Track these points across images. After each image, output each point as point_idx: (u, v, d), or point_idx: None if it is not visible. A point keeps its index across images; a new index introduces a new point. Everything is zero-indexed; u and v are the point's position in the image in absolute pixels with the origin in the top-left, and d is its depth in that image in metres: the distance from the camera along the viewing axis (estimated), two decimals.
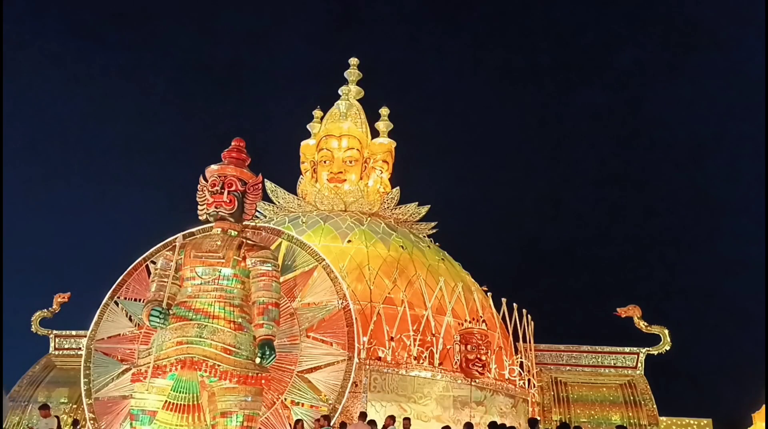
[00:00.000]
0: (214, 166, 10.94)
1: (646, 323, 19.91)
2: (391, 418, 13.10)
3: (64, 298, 21.06)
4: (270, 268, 10.28)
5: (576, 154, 43.73)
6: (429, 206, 21.95)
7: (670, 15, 44.14)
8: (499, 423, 13.73)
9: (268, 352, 9.61)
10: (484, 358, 16.42)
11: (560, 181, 43.88)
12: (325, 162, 21.92)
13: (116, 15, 45.48)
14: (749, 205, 39.44)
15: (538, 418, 13.89)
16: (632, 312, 19.95)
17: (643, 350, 20.04)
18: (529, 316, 18.93)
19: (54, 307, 20.98)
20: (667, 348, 19.80)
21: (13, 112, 36.87)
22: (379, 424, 13.22)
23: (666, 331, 19.85)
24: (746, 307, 35.65)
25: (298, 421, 12.61)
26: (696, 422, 20.52)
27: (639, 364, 19.95)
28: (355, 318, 14.36)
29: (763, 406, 18.67)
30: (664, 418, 19.53)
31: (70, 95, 43.36)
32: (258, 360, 9.61)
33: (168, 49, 46.33)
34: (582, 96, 45.40)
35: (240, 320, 9.99)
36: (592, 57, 46.00)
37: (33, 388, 19.75)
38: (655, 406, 18.98)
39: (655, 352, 19.91)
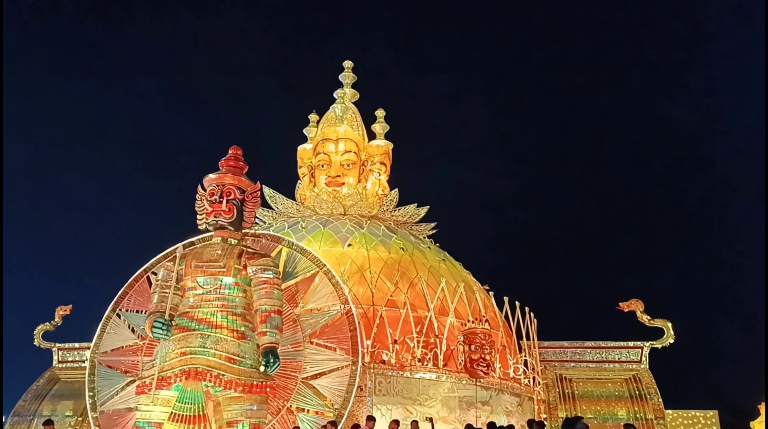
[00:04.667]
0: (212, 175, 10.94)
1: (648, 317, 19.88)
2: (396, 423, 13.07)
3: (65, 310, 21.01)
4: (271, 276, 10.30)
5: (574, 150, 43.73)
6: (428, 207, 21.95)
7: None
8: (501, 423, 13.77)
9: (272, 360, 9.61)
10: (488, 357, 16.37)
11: (560, 177, 43.91)
12: (322, 166, 21.89)
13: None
14: (751, 196, 39.52)
15: (534, 419, 13.74)
16: (635, 306, 19.92)
17: (647, 344, 20.00)
18: (531, 313, 18.90)
19: (56, 320, 20.93)
20: (671, 341, 19.76)
21: (11, 124, 36.88)
22: None
23: (669, 325, 19.81)
24: (749, 299, 35.69)
25: (295, 428, 12.59)
26: (702, 414, 20.54)
27: (643, 358, 19.92)
28: (358, 322, 14.31)
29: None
30: (670, 412, 19.52)
31: (71, 103, 43.37)
32: (262, 368, 9.61)
33: (162, 55, 46.32)
34: (574, 89, 45.47)
35: (243, 329, 9.99)
36: (584, 55, 46.11)
37: (38, 401, 19.70)
38: (660, 399, 18.95)
39: (659, 346, 19.86)
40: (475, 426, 13.90)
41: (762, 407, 18.89)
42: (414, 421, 13.51)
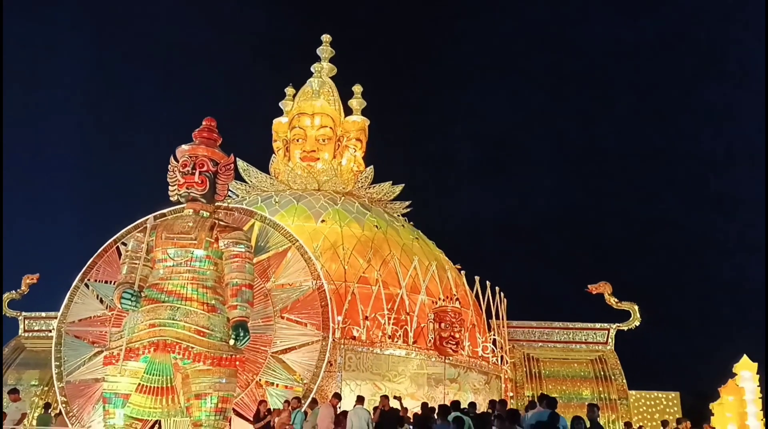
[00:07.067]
0: (185, 146, 10.72)
1: (616, 299, 20.20)
2: (360, 400, 13.10)
3: (32, 279, 20.72)
4: (243, 250, 10.15)
5: (553, 134, 43.94)
6: (403, 185, 21.95)
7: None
8: (469, 400, 13.89)
9: (242, 334, 9.52)
10: (457, 335, 16.53)
11: (533, 160, 44.14)
12: (297, 140, 21.73)
13: None
14: (723, 176, 40.07)
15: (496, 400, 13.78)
16: (603, 288, 20.23)
17: (614, 326, 20.36)
18: (501, 293, 19.09)
19: (23, 288, 20.64)
20: (637, 324, 20.14)
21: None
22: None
23: (636, 308, 20.17)
24: (715, 285, 36.40)
25: (261, 401, 12.60)
26: (664, 395, 20.98)
27: (609, 340, 20.29)
28: (330, 298, 14.34)
29: (729, 381, 19.10)
30: (633, 392, 19.93)
31: (50, 75, 42.44)
32: (232, 341, 9.53)
33: (140, 29, 45.41)
34: (564, 71, 45.58)
35: (213, 302, 9.87)
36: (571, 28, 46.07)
37: (2, 370, 19.48)
38: (624, 380, 19.36)
39: (625, 328, 20.25)
40: (441, 404, 13.98)
41: (721, 390, 19.34)
42: (384, 396, 13.55)
